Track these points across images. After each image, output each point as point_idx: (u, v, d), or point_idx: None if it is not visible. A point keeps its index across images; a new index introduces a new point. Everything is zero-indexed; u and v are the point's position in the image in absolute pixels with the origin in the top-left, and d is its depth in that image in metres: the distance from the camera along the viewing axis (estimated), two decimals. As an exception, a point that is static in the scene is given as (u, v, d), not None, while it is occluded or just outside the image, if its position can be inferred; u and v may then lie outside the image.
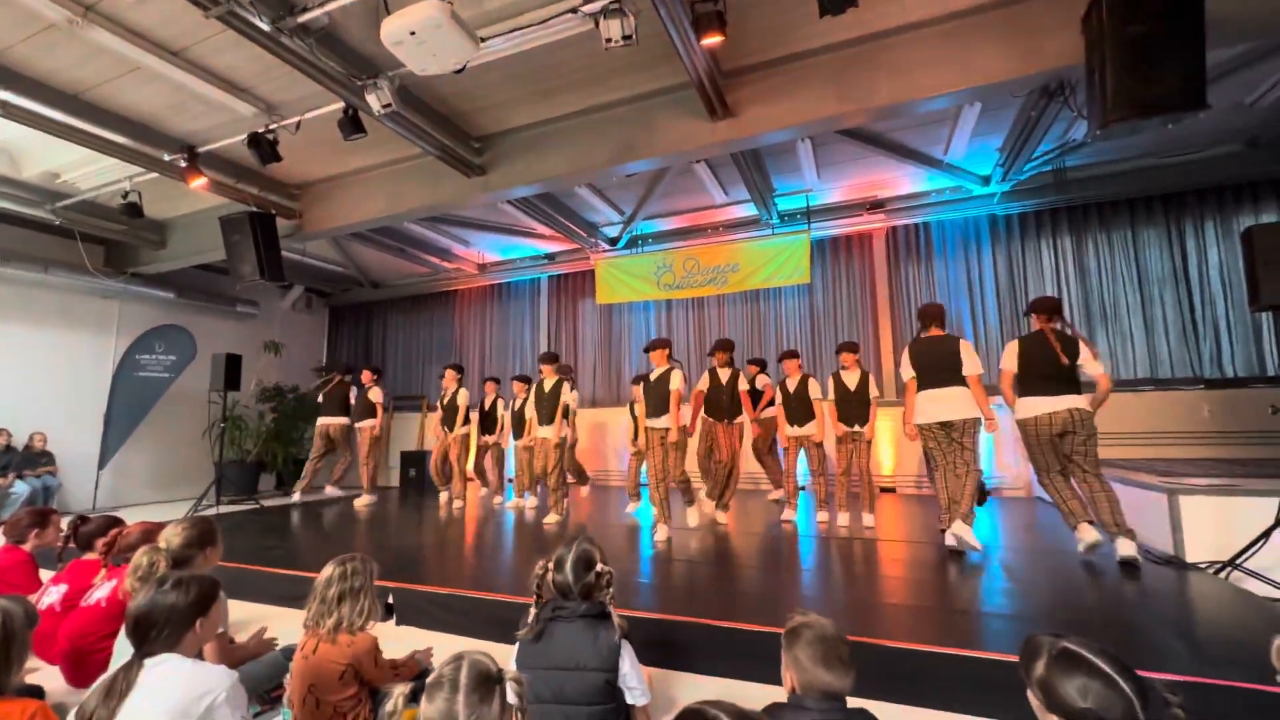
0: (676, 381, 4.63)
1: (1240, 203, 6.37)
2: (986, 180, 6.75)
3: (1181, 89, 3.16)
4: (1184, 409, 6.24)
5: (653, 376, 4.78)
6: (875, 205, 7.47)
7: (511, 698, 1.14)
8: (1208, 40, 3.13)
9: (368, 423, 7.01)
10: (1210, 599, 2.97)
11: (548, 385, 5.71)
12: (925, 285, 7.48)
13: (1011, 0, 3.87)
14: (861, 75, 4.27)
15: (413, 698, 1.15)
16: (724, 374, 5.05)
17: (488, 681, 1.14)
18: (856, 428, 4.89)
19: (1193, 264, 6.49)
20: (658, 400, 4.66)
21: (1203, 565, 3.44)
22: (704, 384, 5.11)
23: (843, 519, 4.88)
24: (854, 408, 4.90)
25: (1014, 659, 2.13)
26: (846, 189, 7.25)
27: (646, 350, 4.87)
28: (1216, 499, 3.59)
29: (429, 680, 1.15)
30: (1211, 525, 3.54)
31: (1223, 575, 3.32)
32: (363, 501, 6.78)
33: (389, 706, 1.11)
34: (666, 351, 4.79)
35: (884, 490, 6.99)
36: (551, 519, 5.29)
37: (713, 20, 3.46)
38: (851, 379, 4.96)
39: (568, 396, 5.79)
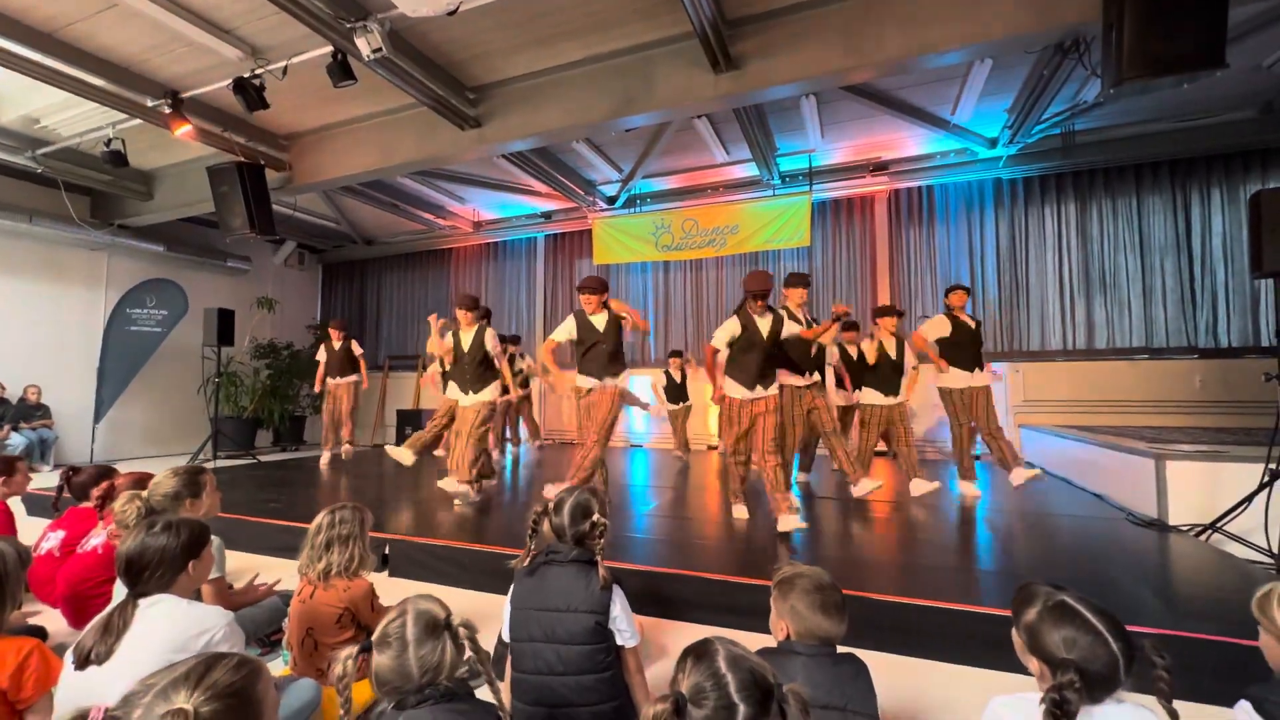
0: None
1: (1249, 170, 6.26)
2: (993, 143, 6.61)
3: (1200, 46, 3.06)
4: (1177, 378, 6.29)
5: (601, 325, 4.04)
6: (879, 167, 7.32)
7: (462, 640, 1.15)
8: (1231, -5, 3.02)
9: (351, 378, 6.66)
10: (1190, 559, 3.04)
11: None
12: (926, 249, 7.41)
13: (1030, -51, 3.71)
14: (870, 27, 4.11)
15: (362, 656, 1.14)
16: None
17: (435, 630, 1.14)
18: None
19: (1196, 232, 6.42)
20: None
21: (1185, 528, 3.52)
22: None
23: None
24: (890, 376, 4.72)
25: (996, 611, 2.19)
26: (850, 150, 7.09)
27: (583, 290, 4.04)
28: (1201, 464, 3.65)
29: (376, 636, 1.15)
30: (1196, 490, 3.61)
31: (1204, 538, 3.39)
32: (346, 452, 6.62)
33: (338, 670, 1.09)
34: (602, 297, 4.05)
35: (879, 454, 7.06)
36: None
37: (718, -37, 3.30)
38: (891, 346, 4.75)
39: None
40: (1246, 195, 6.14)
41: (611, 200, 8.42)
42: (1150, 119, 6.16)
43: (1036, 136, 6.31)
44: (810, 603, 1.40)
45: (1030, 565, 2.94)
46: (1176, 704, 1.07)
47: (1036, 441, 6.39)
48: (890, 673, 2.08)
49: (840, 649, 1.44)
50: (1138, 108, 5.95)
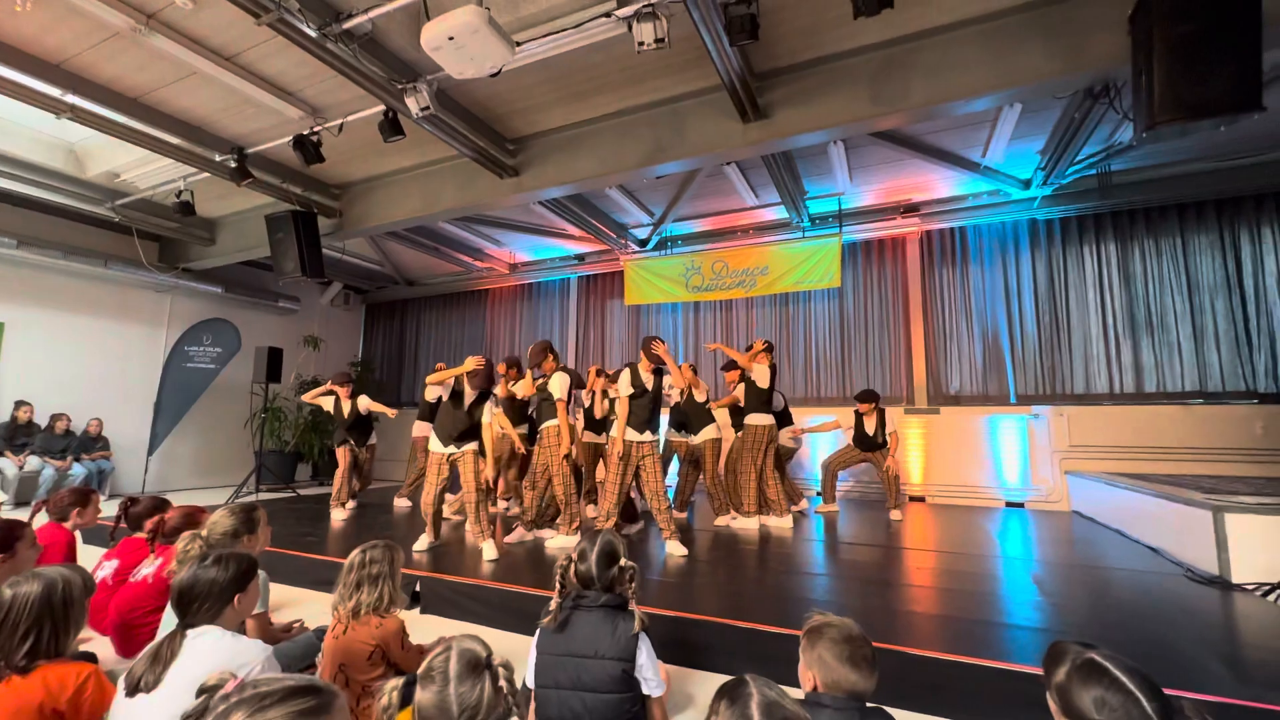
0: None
1: (1301, 208, 6.06)
2: (1027, 184, 6.57)
3: (1234, 90, 3.03)
4: (1236, 424, 5.97)
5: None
6: (909, 209, 7.34)
7: (501, 681, 1.16)
8: (1264, 39, 3.01)
9: (370, 443, 6.23)
10: (1256, 621, 2.84)
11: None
12: (960, 291, 7.31)
13: (1054, -1, 3.78)
14: (896, 77, 4.21)
15: (407, 689, 1.17)
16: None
17: (476, 668, 1.15)
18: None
19: (1247, 271, 6.18)
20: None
21: (1249, 586, 3.29)
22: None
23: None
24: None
25: (1035, 670, 2.09)
26: (880, 192, 7.14)
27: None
28: (1266, 518, 3.43)
29: (420, 670, 1.17)
30: (1261, 545, 3.38)
31: (1271, 598, 3.17)
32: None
33: (383, 701, 1.13)
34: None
35: (912, 499, 6.91)
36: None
37: (745, 23, 3.45)
38: (870, 424, 5.72)
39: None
40: (1300, 234, 5.93)
41: (643, 242, 8.61)
42: (1191, 158, 6.04)
43: (1071, 177, 6.25)
44: (838, 654, 1.38)
45: (1079, 622, 2.79)
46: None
47: (1085, 489, 6.10)
48: (927, 733, 2.00)
49: (869, 704, 1.40)
50: (1177, 147, 5.84)
